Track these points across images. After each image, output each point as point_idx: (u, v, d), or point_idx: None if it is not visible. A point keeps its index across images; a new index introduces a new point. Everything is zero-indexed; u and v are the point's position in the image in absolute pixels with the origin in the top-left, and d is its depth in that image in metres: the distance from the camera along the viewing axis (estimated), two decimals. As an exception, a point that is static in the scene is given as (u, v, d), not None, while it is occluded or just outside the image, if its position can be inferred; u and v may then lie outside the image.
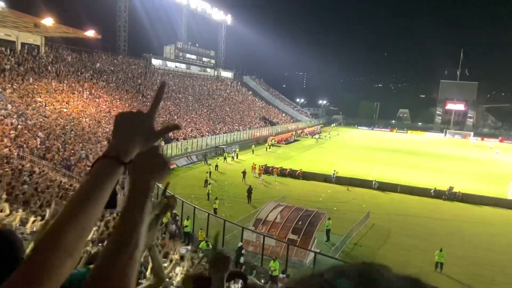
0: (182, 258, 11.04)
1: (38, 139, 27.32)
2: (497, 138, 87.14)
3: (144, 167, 1.09)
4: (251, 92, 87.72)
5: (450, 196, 33.49)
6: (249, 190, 29.03)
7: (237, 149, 48.15)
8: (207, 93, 71.40)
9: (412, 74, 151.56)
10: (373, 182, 35.22)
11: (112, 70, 53.97)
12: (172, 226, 20.65)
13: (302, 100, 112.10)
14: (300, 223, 20.54)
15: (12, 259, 1.57)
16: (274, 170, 37.78)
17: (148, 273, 5.92)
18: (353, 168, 41.50)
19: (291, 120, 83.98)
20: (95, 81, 46.34)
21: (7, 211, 10.59)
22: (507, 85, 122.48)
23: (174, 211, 22.18)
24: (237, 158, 45.52)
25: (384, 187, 34.98)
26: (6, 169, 20.75)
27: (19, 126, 27.79)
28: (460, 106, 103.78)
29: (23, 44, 41.40)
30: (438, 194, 33.58)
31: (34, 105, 32.58)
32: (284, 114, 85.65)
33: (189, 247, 16.51)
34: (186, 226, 20.65)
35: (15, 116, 28.84)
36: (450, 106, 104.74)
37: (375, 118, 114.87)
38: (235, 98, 77.96)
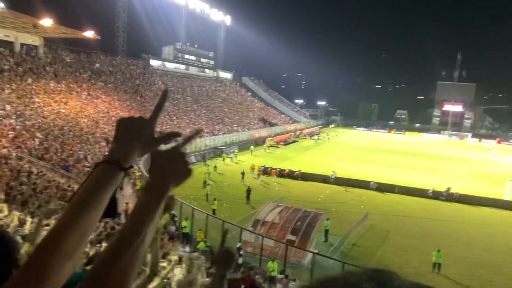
0: (180, 259, 11.06)
1: (36, 140, 27.30)
2: (495, 139, 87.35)
3: (165, 169, 1.08)
4: (250, 93, 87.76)
5: (448, 197, 33.56)
6: (248, 191, 29.05)
7: (236, 150, 48.16)
8: (206, 94, 71.41)
9: (410, 76, 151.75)
10: (371, 183, 35.28)
11: (111, 70, 53.95)
12: (171, 227, 20.65)
13: (301, 101, 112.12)
14: (298, 223, 20.58)
15: (6, 259, 1.59)
16: (272, 171, 37.81)
17: (147, 271, 5.95)
18: (351, 169, 41.56)
19: (290, 121, 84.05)
20: (93, 81, 46.33)
21: (6, 212, 10.59)
22: (505, 87, 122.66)
23: (173, 212, 22.20)
24: (236, 159, 45.52)
25: (382, 188, 35.05)
26: (4, 170, 20.73)
27: (18, 127, 27.78)
28: (457, 107, 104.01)
29: (22, 45, 41.39)
30: (436, 195, 33.64)
31: (32, 106, 32.57)
32: (283, 115, 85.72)
33: (187, 249, 16.51)
34: (185, 227, 20.65)
35: (13, 117, 28.84)
36: (447, 107, 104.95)
37: (374, 119, 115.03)
38: (234, 99, 77.99)
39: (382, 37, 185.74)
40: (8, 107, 29.92)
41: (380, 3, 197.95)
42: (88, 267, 1.90)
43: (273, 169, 38.35)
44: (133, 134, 1.11)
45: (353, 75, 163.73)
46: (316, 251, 19.27)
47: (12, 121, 28.17)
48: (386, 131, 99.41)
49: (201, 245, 18.15)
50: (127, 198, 22.03)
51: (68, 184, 22.15)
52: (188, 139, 1.19)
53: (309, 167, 40.91)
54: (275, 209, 22.06)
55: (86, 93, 42.22)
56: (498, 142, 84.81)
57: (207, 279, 7.00)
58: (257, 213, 22.23)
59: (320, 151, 57.46)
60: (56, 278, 0.88)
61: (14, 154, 24.31)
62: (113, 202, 1.07)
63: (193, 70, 77.73)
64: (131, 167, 1.09)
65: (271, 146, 57.08)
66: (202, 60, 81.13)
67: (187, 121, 52.91)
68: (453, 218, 28.76)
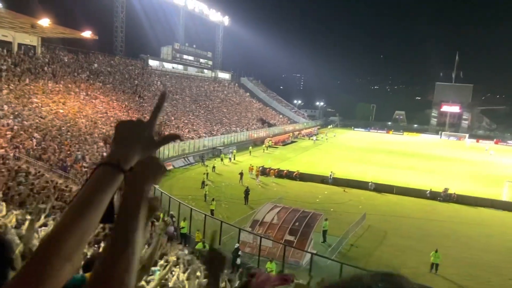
0: (178, 259, 11.07)
1: (34, 140, 27.24)
2: (492, 140, 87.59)
3: (137, 170, 1.09)
4: (248, 94, 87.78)
5: (446, 197, 33.64)
6: (246, 192, 29.04)
7: (234, 151, 48.16)
8: (204, 94, 71.39)
9: (408, 76, 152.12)
10: (369, 183, 35.34)
11: (109, 71, 53.89)
12: (170, 228, 20.62)
13: (299, 101, 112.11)
14: (297, 224, 20.59)
15: (1, 259, 1.58)
16: (271, 172, 37.82)
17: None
18: (350, 170, 41.61)
19: (288, 122, 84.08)
20: (91, 82, 46.26)
21: (4, 212, 10.57)
22: (502, 88, 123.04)
23: (171, 212, 22.19)
24: (234, 159, 45.52)
25: (380, 188, 35.10)
26: (2, 170, 20.69)
27: (15, 127, 27.70)
28: (455, 108, 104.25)
29: (19, 45, 41.32)
30: (433, 196, 33.72)
31: (30, 106, 32.50)
32: (281, 116, 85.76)
33: (186, 251, 16.49)
34: (183, 227, 20.65)
35: (11, 117, 28.77)
36: (445, 108, 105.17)
37: (372, 119, 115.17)
38: (233, 100, 77.99)
39: (380, 38, 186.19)
40: (5, 107, 29.85)
41: (379, 4, 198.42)
42: (87, 274, 1.89)
43: (272, 169, 38.36)
44: (132, 136, 1.11)
45: (351, 76, 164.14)
46: (314, 251, 19.29)
47: (10, 121, 28.10)
48: (384, 131, 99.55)
49: (199, 246, 18.14)
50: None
51: (66, 185, 22.12)
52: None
53: (307, 167, 40.95)
54: (274, 210, 22.06)
55: (84, 93, 42.15)
56: (496, 143, 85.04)
57: (204, 280, 7.00)
58: (256, 214, 22.24)
59: (318, 151, 57.52)
60: (56, 279, 0.88)
61: (12, 154, 24.27)
62: (111, 208, 1.06)
63: (191, 70, 77.70)
64: (131, 169, 1.09)
65: (269, 146, 57.10)
66: (201, 60, 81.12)
67: (186, 121, 52.88)
68: (451, 218, 28.82)
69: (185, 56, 76.21)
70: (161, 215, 22.08)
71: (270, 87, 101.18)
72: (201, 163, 41.68)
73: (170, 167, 38.29)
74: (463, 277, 18.96)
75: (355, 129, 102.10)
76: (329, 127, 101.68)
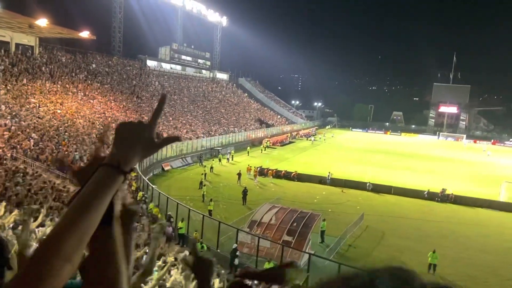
0: (176, 259, 11.05)
1: (31, 140, 27.18)
2: (489, 141, 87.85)
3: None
4: (246, 94, 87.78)
5: (443, 198, 33.69)
6: (244, 192, 29.02)
7: (232, 151, 48.13)
8: (202, 94, 71.36)
9: (406, 77, 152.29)
10: (367, 184, 35.36)
11: (107, 71, 53.81)
12: (168, 229, 20.60)
13: (297, 102, 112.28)
14: (295, 224, 20.58)
15: None
16: (269, 172, 37.80)
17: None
18: (347, 170, 41.65)
19: (286, 122, 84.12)
20: (89, 82, 46.18)
21: (1, 211, 10.53)
22: (499, 88, 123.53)
23: (169, 213, 22.16)
24: (232, 159, 45.49)
25: (378, 189, 35.13)
26: (0, 170, 20.63)
27: (13, 127, 27.63)
28: (453, 109, 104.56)
29: (17, 45, 41.21)
30: (431, 196, 33.75)
31: (28, 106, 32.42)
32: (279, 116, 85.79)
33: (187, 252, 16.49)
34: (181, 228, 20.61)
35: (8, 117, 28.69)
36: (443, 109, 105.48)
37: (370, 120, 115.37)
38: (231, 100, 77.98)
39: (378, 39, 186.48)
40: (3, 107, 29.77)
41: (377, 5, 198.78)
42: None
43: (270, 170, 38.34)
44: (132, 138, 1.11)
45: (349, 77, 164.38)
46: (312, 252, 19.28)
47: (7, 121, 28.03)
48: (382, 132, 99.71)
49: (197, 247, 18.10)
50: (122, 200, 21.93)
51: (63, 185, 22.06)
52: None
53: (305, 168, 40.95)
54: (272, 210, 22.04)
55: (82, 93, 42.08)
56: (493, 144, 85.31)
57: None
58: (254, 214, 22.22)
59: (316, 152, 57.55)
60: (55, 280, 0.88)
61: (9, 154, 24.20)
62: (110, 209, 1.06)
63: (189, 71, 77.66)
64: (131, 170, 1.10)
65: (267, 147, 57.09)
66: (199, 60, 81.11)
67: (184, 122, 52.84)
68: (449, 219, 28.87)
69: (183, 57, 76.19)
70: (159, 216, 22.10)
71: (268, 87, 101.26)
72: (199, 164, 41.65)
73: (168, 168, 38.27)
74: (461, 278, 18.96)
75: (353, 129, 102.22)
76: (327, 127, 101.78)
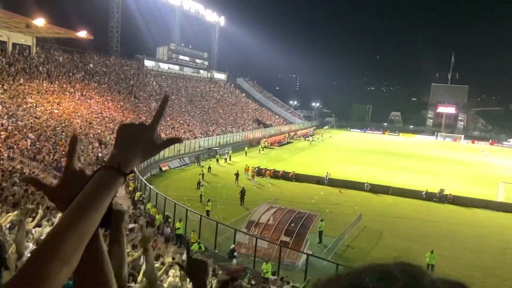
0: (173, 259, 10.98)
1: (28, 140, 27.07)
2: (487, 141, 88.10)
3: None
4: (244, 94, 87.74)
5: (441, 198, 33.73)
6: (242, 192, 28.99)
7: (230, 151, 48.08)
8: (200, 94, 71.29)
9: (404, 78, 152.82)
10: (365, 184, 35.37)
11: (104, 71, 53.69)
12: (166, 229, 20.55)
13: (295, 102, 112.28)
14: (292, 225, 20.56)
15: None
16: (267, 172, 37.77)
17: (140, 276, 5.87)
18: (345, 170, 41.66)
19: (284, 122, 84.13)
20: (86, 82, 46.05)
21: (-2, 212, 10.46)
22: (497, 89, 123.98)
23: (166, 213, 22.10)
24: (230, 160, 45.45)
25: (376, 189, 35.15)
26: (-4, 171, 20.53)
27: (10, 127, 27.51)
28: (451, 109, 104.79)
29: (14, 45, 41.07)
30: (429, 196, 33.78)
31: (24, 106, 32.30)
32: (277, 116, 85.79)
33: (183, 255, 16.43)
34: (178, 228, 20.56)
35: (5, 117, 28.56)
36: (441, 109, 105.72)
37: (368, 120, 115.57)
38: (228, 100, 77.94)
39: (376, 39, 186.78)
40: (0, 107, 29.64)
41: (375, 6, 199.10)
42: None
43: (268, 170, 38.32)
44: (134, 139, 1.11)
45: (347, 77, 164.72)
46: (310, 252, 19.26)
47: (4, 121, 27.90)
48: (380, 132, 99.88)
49: (194, 247, 18.05)
50: (120, 200, 21.90)
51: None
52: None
53: (303, 168, 40.95)
54: (269, 210, 22.02)
55: (79, 93, 41.95)
56: (491, 144, 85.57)
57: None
58: (251, 215, 22.18)
59: (314, 152, 57.56)
60: (53, 282, 0.87)
61: (6, 154, 24.09)
62: (110, 212, 1.05)
63: (187, 70, 77.58)
64: (132, 172, 1.10)
65: (265, 147, 57.08)
66: (197, 60, 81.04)
67: (181, 122, 52.75)
68: (447, 219, 28.90)
69: (181, 57, 76.10)
70: (157, 216, 22.04)
71: (266, 87, 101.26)
72: (196, 164, 41.60)
73: (166, 168, 38.19)
74: (459, 278, 18.98)
75: (351, 130, 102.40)
76: (325, 128, 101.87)
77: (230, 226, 20.78)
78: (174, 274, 8.90)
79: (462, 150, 72.65)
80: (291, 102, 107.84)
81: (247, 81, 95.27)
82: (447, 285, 0.66)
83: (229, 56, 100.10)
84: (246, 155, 49.46)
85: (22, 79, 36.36)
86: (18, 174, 21.01)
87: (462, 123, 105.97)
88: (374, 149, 63.86)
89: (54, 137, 29.59)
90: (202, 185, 31.01)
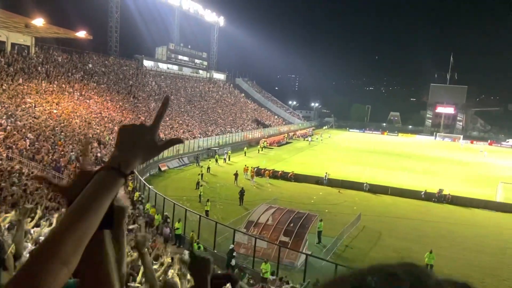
0: (173, 259, 10.96)
1: (27, 140, 27.02)
2: (486, 141, 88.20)
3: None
4: (243, 94, 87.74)
5: (440, 198, 33.76)
6: (241, 192, 28.99)
7: (229, 151, 48.07)
8: (199, 94, 71.27)
9: (403, 78, 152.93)
10: (364, 184, 35.39)
11: (103, 71, 53.64)
12: (166, 229, 20.53)
13: (294, 102, 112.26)
14: (291, 225, 20.56)
15: None
16: (266, 172, 37.77)
17: (139, 277, 5.87)
18: (344, 171, 41.66)
19: (283, 123, 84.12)
20: (85, 82, 46.00)
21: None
22: (496, 89, 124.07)
23: (165, 213, 22.10)
24: (229, 160, 45.43)
25: (375, 189, 35.17)
26: (-5, 171, 20.49)
27: (8, 127, 27.46)
28: (450, 110, 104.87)
29: (13, 45, 41.02)
30: (428, 197, 33.82)
31: (23, 106, 32.25)
32: (276, 116, 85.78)
33: (187, 252, 16.42)
34: (177, 228, 20.56)
35: (4, 117, 28.51)
36: (440, 109, 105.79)
37: (367, 120, 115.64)
38: (227, 100, 77.92)
39: (375, 39, 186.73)
40: (-2, 107, 29.61)
41: (373, 6, 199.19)
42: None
43: (267, 170, 38.32)
44: (134, 141, 1.12)
45: (346, 77, 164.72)
46: (309, 252, 19.27)
47: (3, 121, 27.84)
48: (379, 132, 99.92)
49: (194, 247, 18.06)
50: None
51: (59, 185, 21.91)
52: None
53: (302, 168, 40.95)
54: (268, 211, 22.02)
55: (78, 93, 41.90)
56: (490, 144, 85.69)
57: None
58: (250, 215, 22.18)
59: (313, 152, 57.57)
60: (52, 283, 0.87)
61: (5, 154, 24.05)
62: (111, 212, 1.05)
63: (186, 71, 77.53)
64: (132, 173, 1.10)
65: (264, 147, 57.08)
66: (196, 61, 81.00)
67: (180, 122, 52.73)
68: (446, 219, 28.92)
69: (180, 57, 76.05)
70: (157, 216, 22.02)
71: (265, 87, 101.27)
72: (195, 164, 41.58)
73: (165, 168, 38.17)
74: (457, 278, 19.01)
75: (350, 130, 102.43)
76: (324, 128, 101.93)
77: (229, 226, 20.78)
78: (173, 274, 8.90)
79: (461, 150, 72.71)
80: (290, 102, 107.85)
81: (246, 81, 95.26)
82: (452, 286, 0.66)
83: (228, 56, 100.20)
84: (245, 155, 49.45)
85: (21, 79, 36.31)
86: (17, 174, 20.99)
87: (461, 123, 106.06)
88: (373, 149, 63.89)
89: (53, 137, 29.55)
90: (201, 185, 30.99)
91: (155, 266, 8.35)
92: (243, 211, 25.92)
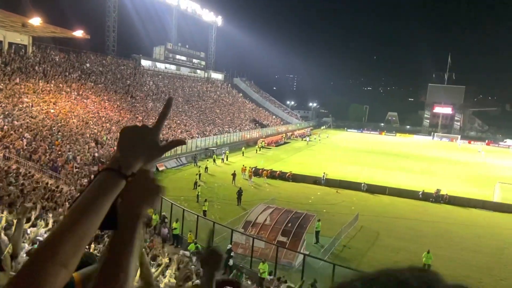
0: (170, 260, 10.94)
1: (24, 140, 26.94)
2: (484, 142, 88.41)
3: (135, 191, 1.09)
4: (241, 94, 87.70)
5: (438, 198, 33.83)
6: (239, 192, 28.96)
7: (227, 151, 48.05)
8: (197, 94, 71.19)
9: (400, 78, 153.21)
10: (362, 184, 35.42)
11: (101, 70, 53.51)
12: (164, 230, 20.49)
13: (292, 102, 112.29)
14: (289, 225, 20.55)
15: None
16: (264, 172, 37.76)
17: (137, 277, 5.84)
18: (342, 171, 41.69)
19: (281, 123, 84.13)
20: (83, 81, 45.89)
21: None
22: (494, 89, 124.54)
23: (163, 213, 22.05)
24: (227, 160, 45.40)
25: (373, 189, 35.21)
26: (-8, 170, 20.40)
27: (5, 127, 27.37)
28: (447, 110, 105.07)
29: (10, 44, 40.86)
30: (426, 197, 33.88)
31: (20, 106, 32.14)
32: (274, 116, 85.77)
33: (187, 253, 16.37)
34: (175, 228, 20.52)
35: (1, 117, 28.42)
36: (437, 109, 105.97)
37: (365, 121, 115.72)
38: (225, 100, 77.88)
39: (373, 39, 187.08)
40: (-5, 106, 29.50)
41: (372, 6, 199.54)
42: (75, 274, 1.83)
43: (265, 170, 38.30)
44: (136, 142, 1.11)
45: (344, 77, 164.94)
46: (307, 252, 19.27)
47: (0, 121, 27.77)
48: (377, 133, 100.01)
49: (191, 247, 18.03)
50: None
51: (56, 185, 21.88)
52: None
53: (300, 168, 40.96)
54: (266, 211, 22.01)
55: (75, 93, 41.78)
56: (487, 144, 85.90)
57: (197, 280, 6.90)
58: (248, 215, 22.17)
59: (311, 152, 57.59)
60: (51, 286, 0.86)
61: (2, 154, 23.97)
62: (113, 213, 1.04)
63: (184, 70, 77.43)
64: (133, 174, 1.09)
65: (262, 147, 57.06)
66: (194, 60, 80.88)
67: (178, 122, 52.65)
68: (443, 219, 28.97)
69: (177, 56, 75.94)
70: (154, 216, 21.96)
71: (263, 87, 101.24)
72: (193, 164, 41.51)
73: (163, 168, 38.09)
74: (455, 278, 18.33)
75: (348, 130, 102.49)
76: (322, 128, 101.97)
77: (227, 226, 20.76)
78: (170, 275, 8.87)
79: (458, 150, 72.88)
80: (288, 102, 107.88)
81: (244, 81, 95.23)
82: None
83: (226, 56, 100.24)
84: (243, 155, 49.43)
85: (18, 79, 36.19)
86: (14, 174, 20.91)
87: (458, 123, 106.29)
88: (371, 149, 63.97)
89: (50, 136, 29.46)
90: (199, 185, 30.95)
91: (153, 269, 8.31)
92: (241, 211, 25.91)
